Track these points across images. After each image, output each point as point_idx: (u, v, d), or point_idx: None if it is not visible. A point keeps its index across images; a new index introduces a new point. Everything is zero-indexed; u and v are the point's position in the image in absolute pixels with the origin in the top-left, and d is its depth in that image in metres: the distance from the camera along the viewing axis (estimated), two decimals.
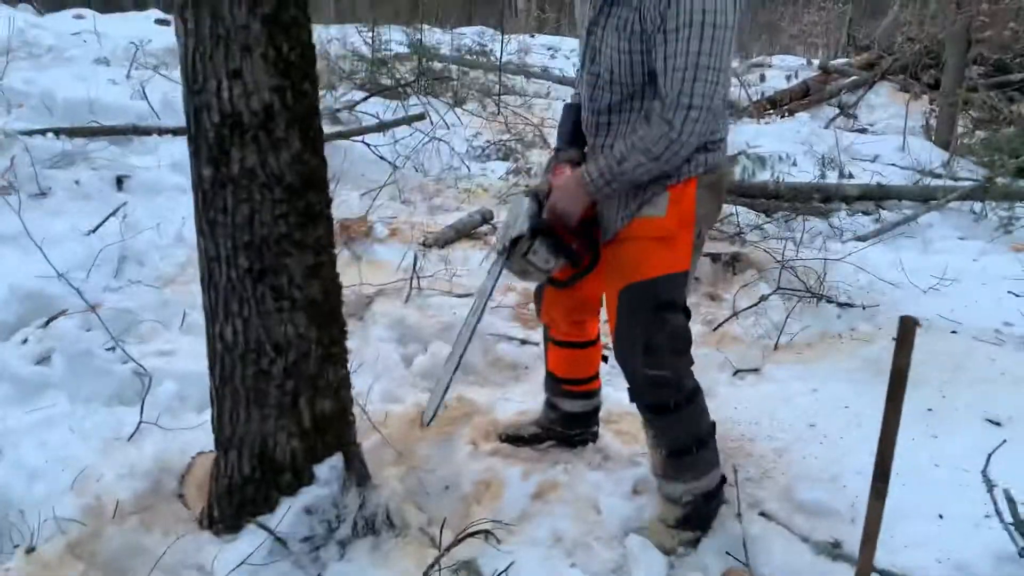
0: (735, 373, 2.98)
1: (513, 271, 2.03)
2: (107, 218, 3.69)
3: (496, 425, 2.51)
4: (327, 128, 5.65)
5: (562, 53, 13.11)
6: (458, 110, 7.01)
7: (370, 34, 8.34)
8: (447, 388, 2.04)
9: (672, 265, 1.89)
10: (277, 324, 1.70)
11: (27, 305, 2.87)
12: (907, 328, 1.30)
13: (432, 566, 1.74)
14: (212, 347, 1.77)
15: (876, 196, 5.55)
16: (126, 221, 3.70)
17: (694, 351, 2.01)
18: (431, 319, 3.05)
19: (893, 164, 6.63)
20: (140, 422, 2.21)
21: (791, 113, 9.25)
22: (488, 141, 6.58)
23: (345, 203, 4.47)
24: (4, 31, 9.05)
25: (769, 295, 3.52)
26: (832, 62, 10.63)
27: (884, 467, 1.35)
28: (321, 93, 6.25)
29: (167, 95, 5.79)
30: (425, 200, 5.16)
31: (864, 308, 3.40)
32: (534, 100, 8.64)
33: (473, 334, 2.08)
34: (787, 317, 3.34)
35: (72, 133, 4.93)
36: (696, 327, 3.19)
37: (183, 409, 2.36)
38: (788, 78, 10.88)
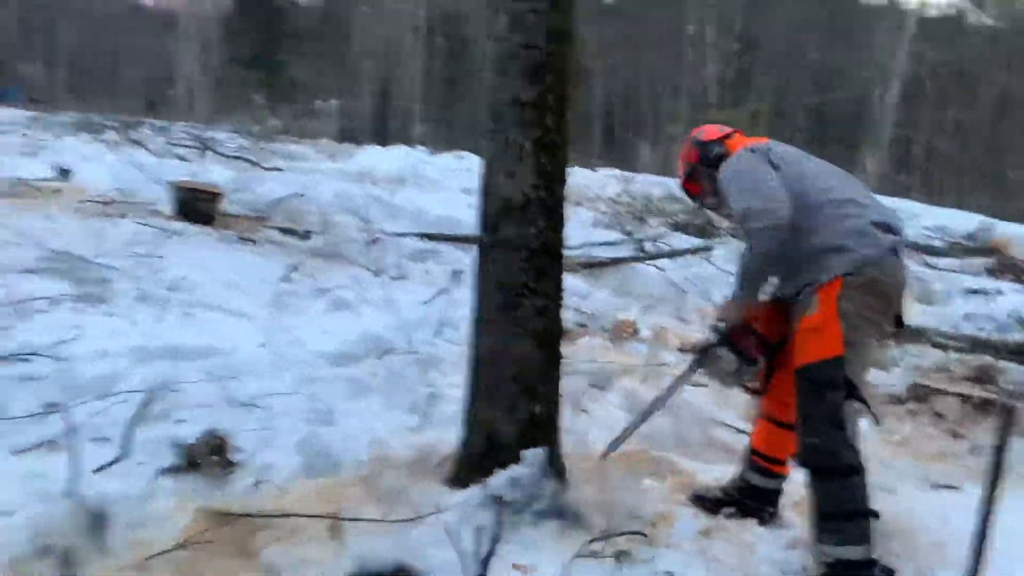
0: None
1: (713, 377, 2.63)
2: (437, 295, 4.83)
3: (690, 485, 2.98)
4: (629, 253, 6.56)
5: None
6: None
7: None
8: (630, 432, 2.65)
9: (824, 352, 2.34)
10: (512, 345, 2.46)
11: (371, 344, 3.97)
12: None
13: (595, 540, 2.31)
14: (471, 358, 2.57)
15: None
16: (451, 298, 4.81)
17: None
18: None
19: None
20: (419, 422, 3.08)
21: None
22: None
23: (624, 311, 5.22)
24: (403, 164, 11.51)
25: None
26: None
27: None
28: (631, 227, 7.18)
29: None
30: (701, 321, 5.73)
31: None
32: None
33: (660, 401, 2.72)
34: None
35: (430, 237, 6.37)
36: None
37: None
38: None
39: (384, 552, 2.25)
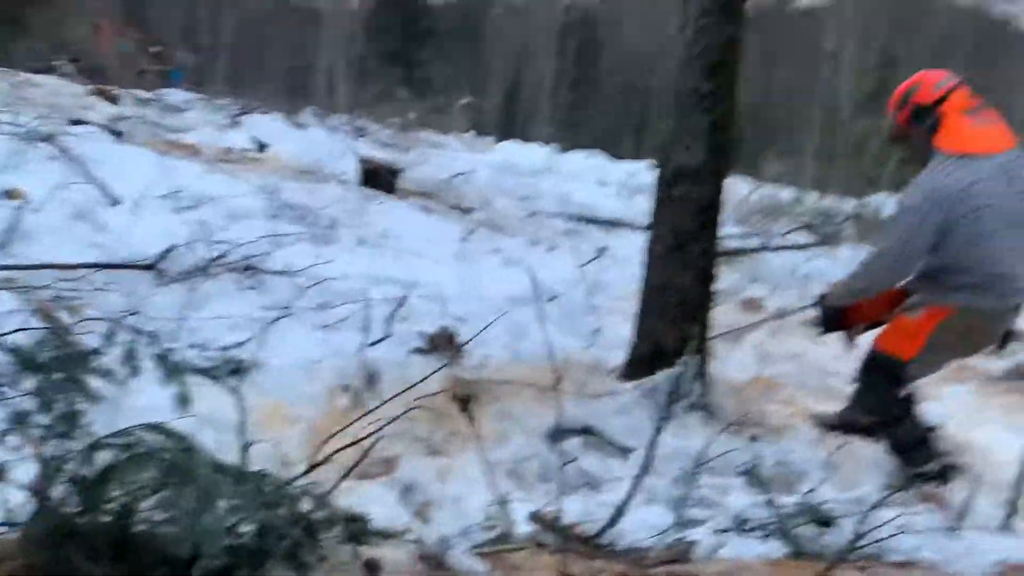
0: None
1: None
2: (590, 261, 5.67)
3: (808, 412, 3.68)
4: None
5: None
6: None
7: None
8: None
9: (900, 350, 2.92)
10: (678, 277, 3.25)
11: (542, 290, 4.82)
12: None
13: (731, 425, 3.07)
14: (643, 287, 3.37)
15: None
16: (600, 265, 5.63)
17: None
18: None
19: None
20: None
21: None
22: None
23: (750, 291, 5.91)
24: (540, 158, 12.45)
25: None
26: None
27: None
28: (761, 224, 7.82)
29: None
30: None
31: None
32: None
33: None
34: None
35: (578, 219, 7.22)
36: None
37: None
38: None
39: (576, 416, 3.09)
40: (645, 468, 2.45)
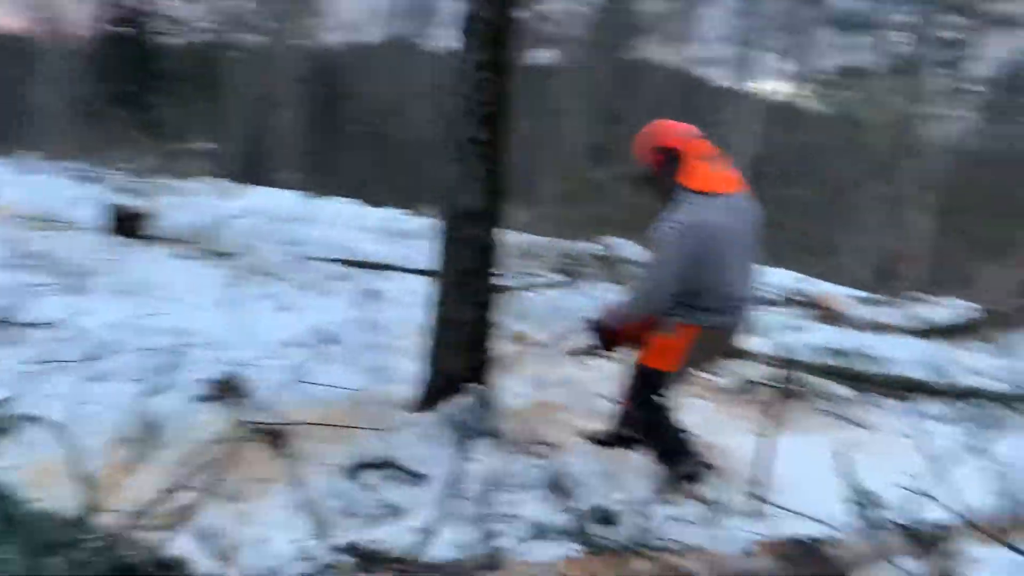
0: None
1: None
2: (362, 303, 5.75)
3: (581, 430, 4.02)
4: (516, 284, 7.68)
5: None
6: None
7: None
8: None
9: (661, 364, 3.28)
10: (464, 312, 3.46)
11: (319, 334, 4.82)
12: None
13: (517, 447, 3.31)
14: (434, 320, 3.54)
15: (965, 395, 6.53)
16: (372, 307, 5.73)
17: None
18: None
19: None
20: None
21: None
22: None
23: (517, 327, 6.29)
24: (295, 205, 12.23)
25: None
26: None
27: None
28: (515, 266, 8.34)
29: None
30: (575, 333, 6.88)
31: None
32: None
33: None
34: None
35: (344, 263, 7.27)
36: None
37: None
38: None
39: (376, 450, 3.17)
40: (450, 491, 2.59)
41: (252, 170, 34.65)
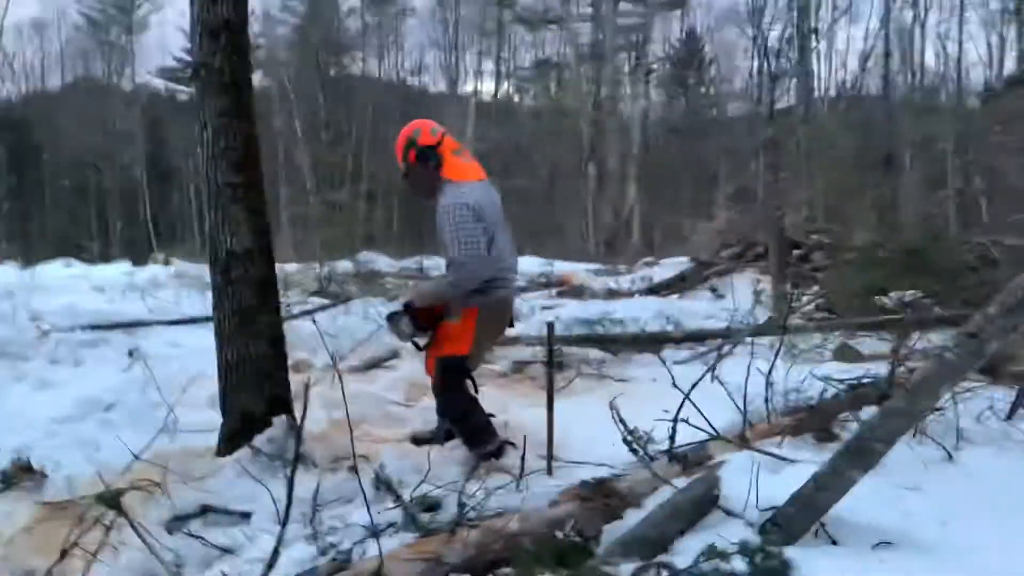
0: None
1: (393, 333, 3.84)
2: (130, 364, 5.52)
3: (383, 439, 4.26)
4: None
5: None
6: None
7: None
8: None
9: (455, 350, 3.60)
10: (253, 348, 3.56)
11: (91, 404, 4.61)
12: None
13: (326, 470, 3.48)
14: (221, 363, 3.60)
15: (696, 338, 7.56)
16: (141, 365, 5.53)
17: None
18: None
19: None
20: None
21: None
22: None
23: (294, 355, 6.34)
24: (12, 277, 11.25)
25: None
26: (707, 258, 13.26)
27: None
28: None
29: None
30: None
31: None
32: None
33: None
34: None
35: (93, 328, 6.85)
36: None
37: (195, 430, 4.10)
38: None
39: (191, 499, 3.20)
40: (283, 520, 2.73)
41: None
